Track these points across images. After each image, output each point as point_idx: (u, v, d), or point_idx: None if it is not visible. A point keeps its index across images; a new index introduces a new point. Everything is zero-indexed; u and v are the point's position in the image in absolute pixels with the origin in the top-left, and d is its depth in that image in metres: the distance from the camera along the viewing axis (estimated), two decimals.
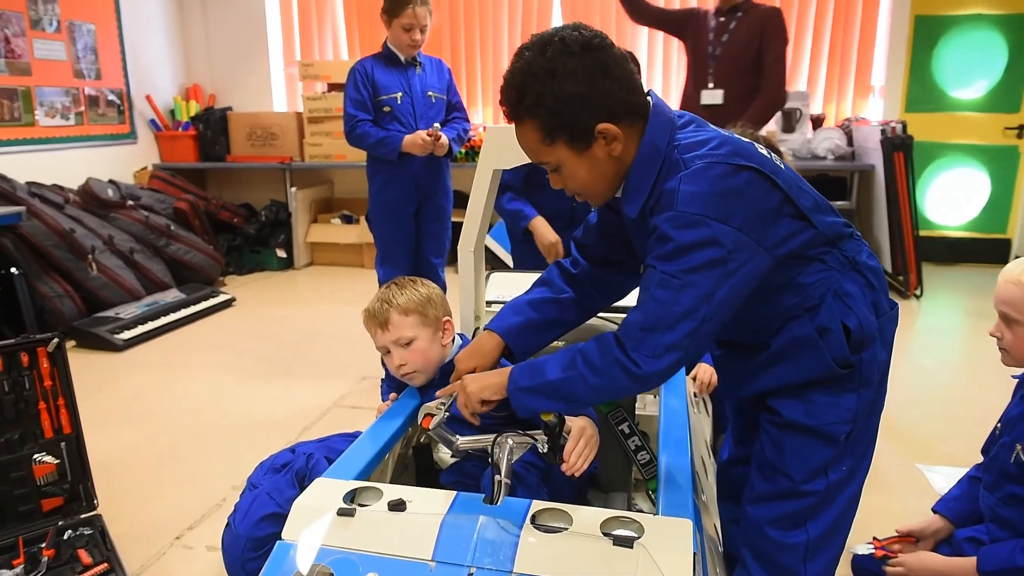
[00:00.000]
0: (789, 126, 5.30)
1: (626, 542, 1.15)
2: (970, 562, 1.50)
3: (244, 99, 6.05)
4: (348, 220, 5.84)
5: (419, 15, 2.83)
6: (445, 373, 1.69)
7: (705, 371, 2.10)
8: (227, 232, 5.63)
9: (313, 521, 1.23)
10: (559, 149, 1.21)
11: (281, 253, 5.71)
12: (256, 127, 5.71)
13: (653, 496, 1.55)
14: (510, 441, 1.33)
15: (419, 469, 1.75)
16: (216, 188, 6.13)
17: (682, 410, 1.71)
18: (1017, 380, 1.59)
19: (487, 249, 5.15)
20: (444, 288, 3.19)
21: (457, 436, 1.42)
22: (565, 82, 1.15)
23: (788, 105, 5.18)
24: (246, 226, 5.69)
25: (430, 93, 2.98)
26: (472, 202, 1.93)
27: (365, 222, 3.24)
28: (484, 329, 1.47)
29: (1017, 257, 1.80)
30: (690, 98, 3.36)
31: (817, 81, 5.40)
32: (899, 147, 4.61)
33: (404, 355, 1.67)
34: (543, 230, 2.61)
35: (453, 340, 1.75)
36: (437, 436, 1.42)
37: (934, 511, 1.72)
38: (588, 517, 1.23)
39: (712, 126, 1.28)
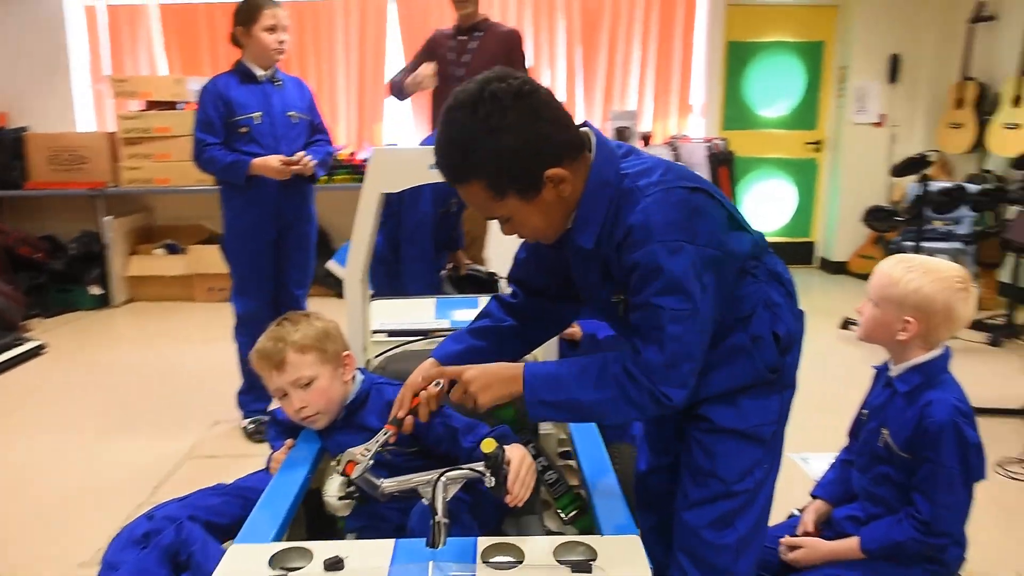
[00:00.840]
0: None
1: (583, 567, 1.14)
2: (852, 542, 1.61)
3: (43, 118, 5.36)
4: (173, 250, 5.35)
5: (279, 15, 2.66)
6: (350, 412, 1.57)
7: None
8: (28, 269, 4.95)
9: None
10: (510, 202, 1.20)
11: (95, 290, 5.11)
12: (60, 149, 5.08)
13: (563, 515, 1.53)
14: (443, 479, 1.24)
15: (309, 519, 1.60)
16: (13, 219, 5.37)
17: (592, 427, 1.71)
18: (877, 369, 1.73)
19: (330, 274, 4.97)
20: None
21: (382, 480, 1.30)
22: (505, 137, 1.13)
23: (619, 123, 5.48)
24: (51, 261, 5.04)
25: (291, 113, 2.78)
26: (357, 227, 1.82)
27: (219, 250, 2.96)
28: (429, 356, 1.40)
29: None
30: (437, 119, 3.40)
31: (645, 101, 5.74)
32: (723, 162, 5.00)
33: (304, 397, 1.53)
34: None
35: (354, 376, 1.62)
36: (362, 483, 1.29)
37: (813, 496, 1.83)
38: (538, 547, 1.20)
39: (645, 152, 1.31)
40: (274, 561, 1.13)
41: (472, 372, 1.26)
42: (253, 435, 2.91)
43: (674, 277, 1.14)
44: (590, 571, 1.13)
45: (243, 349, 2.92)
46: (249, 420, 2.96)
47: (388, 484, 1.29)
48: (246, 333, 2.88)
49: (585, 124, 1.26)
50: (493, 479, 1.21)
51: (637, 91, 5.71)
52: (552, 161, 1.17)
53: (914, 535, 1.48)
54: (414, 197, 2.62)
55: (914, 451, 1.50)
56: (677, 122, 5.81)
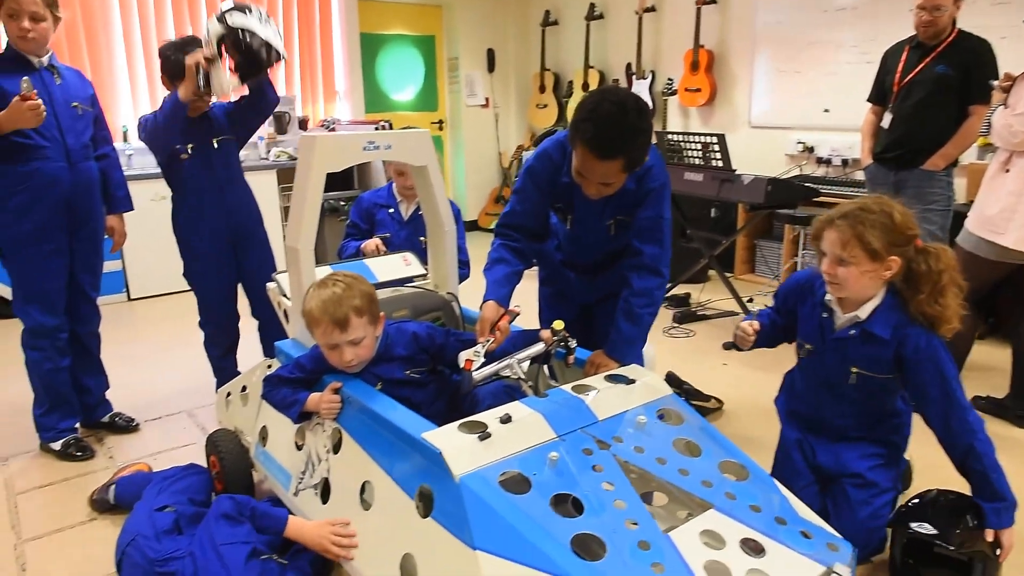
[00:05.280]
0: (281, 128, 5.82)
1: (626, 379, 1.81)
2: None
3: None
4: None
5: (23, 0, 2.38)
6: (382, 350, 1.91)
7: None
8: None
9: (468, 452, 1.48)
10: (624, 175, 1.85)
11: None
12: None
13: (566, 362, 1.95)
14: (515, 359, 1.78)
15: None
16: None
17: None
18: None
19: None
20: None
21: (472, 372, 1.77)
22: (648, 136, 1.78)
23: (279, 109, 5.70)
24: None
25: (75, 104, 2.57)
26: (309, 202, 2.06)
27: None
28: (486, 300, 1.92)
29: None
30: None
31: (293, 87, 6.04)
32: None
33: (356, 351, 1.83)
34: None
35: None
36: (464, 376, 1.74)
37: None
38: (597, 378, 1.83)
39: None
40: (462, 429, 1.55)
41: (600, 359, 1.95)
42: (73, 455, 2.69)
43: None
44: (632, 381, 1.81)
45: (39, 365, 2.66)
46: (60, 442, 2.71)
47: (476, 374, 1.75)
48: (41, 347, 2.64)
49: None
50: (563, 347, 1.81)
51: (284, 79, 5.97)
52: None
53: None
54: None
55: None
56: (324, 107, 6.26)
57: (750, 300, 4.42)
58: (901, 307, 1.86)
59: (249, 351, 3.19)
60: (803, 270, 2.17)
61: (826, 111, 5.10)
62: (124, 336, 4.16)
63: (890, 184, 3.48)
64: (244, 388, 2.41)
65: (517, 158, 7.04)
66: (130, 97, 5.23)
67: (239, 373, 2.98)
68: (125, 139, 5.11)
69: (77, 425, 2.83)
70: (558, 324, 1.82)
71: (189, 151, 2.77)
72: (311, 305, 1.79)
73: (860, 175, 4.88)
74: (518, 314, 1.87)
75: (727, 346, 3.85)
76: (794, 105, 5.25)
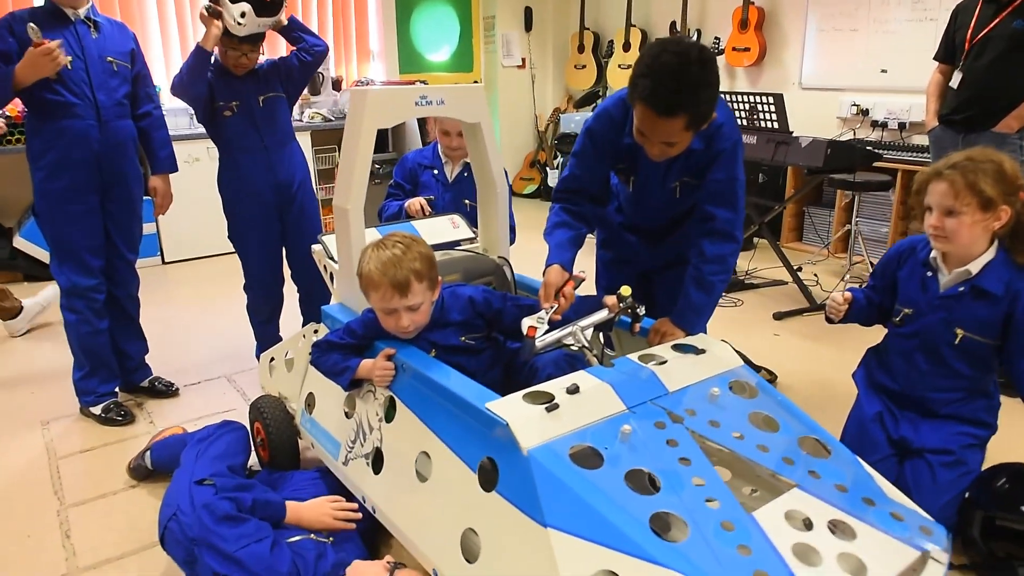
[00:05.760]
0: (315, 89, 5.71)
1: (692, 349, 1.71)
2: None
3: None
4: None
5: None
6: (431, 323, 1.82)
7: None
8: None
9: (536, 424, 1.39)
10: (689, 133, 1.68)
11: None
12: None
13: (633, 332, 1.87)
14: (578, 327, 1.68)
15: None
16: None
17: None
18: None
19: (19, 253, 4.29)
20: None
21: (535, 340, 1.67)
22: (715, 90, 1.63)
23: None
24: None
25: (110, 59, 2.49)
26: (359, 160, 1.96)
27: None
28: (550, 264, 1.82)
29: None
30: None
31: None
32: None
33: (413, 317, 1.74)
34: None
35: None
36: (527, 343, 1.64)
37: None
38: (664, 347, 1.72)
39: None
40: (527, 399, 1.46)
41: (665, 327, 1.83)
42: (113, 420, 2.66)
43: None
44: (701, 351, 1.71)
45: (76, 327, 2.62)
46: (101, 407, 2.68)
47: (539, 341, 1.66)
48: (77, 308, 2.59)
49: None
50: (631, 313, 1.70)
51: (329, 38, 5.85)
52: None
53: None
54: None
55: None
56: (358, 67, 6.13)
57: (799, 269, 4.26)
58: (1012, 263, 1.80)
59: (293, 318, 3.13)
60: (902, 240, 2.08)
61: (883, 72, 4.86)
62: (159, 299, 4.13)
63: (958, 148, 3.27)
64: (288, 354, 2.34)
65: (553, 121, 6.87)
66: (163, 58, 5.15)
67: (281, 339, 2.93)
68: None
69: (117, 389, 2.79)
70: (625, 290, 1.70)
71: (234, 108, 2.70)
72: (370, 267, 1.69)
73: (917, 139, 4.69)
74: (583, 280, 1.76)
75: (778, 316, 3.71)
76: (848, 65, 5.01)
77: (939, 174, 1.80)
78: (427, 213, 2.63)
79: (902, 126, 4.76)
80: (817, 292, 4.02)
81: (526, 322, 1.65)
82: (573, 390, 1.47)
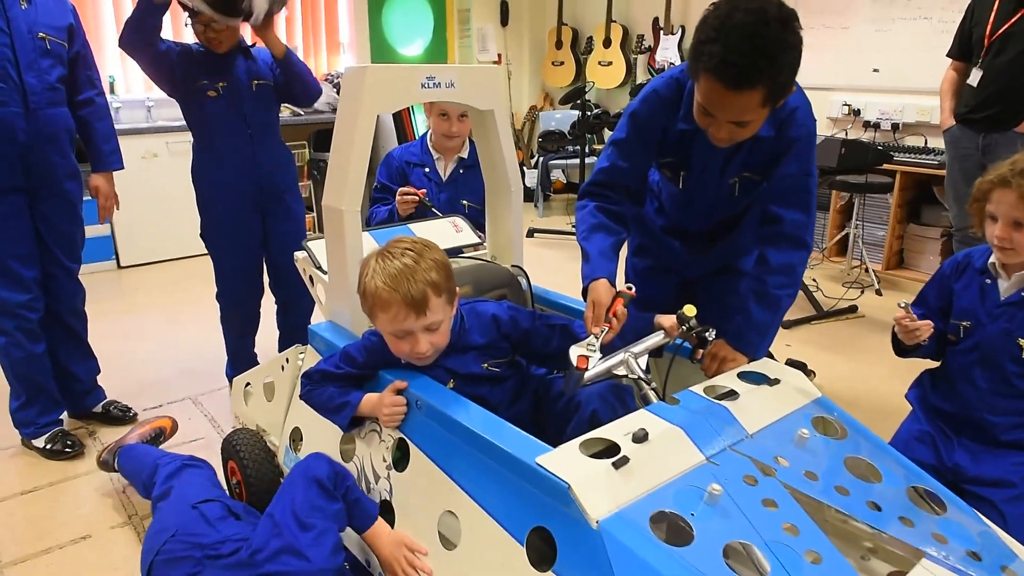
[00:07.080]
0: None
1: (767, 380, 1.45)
2: None
3: None
4: None
5: None
6: (456, 338, 1.52)
7: None
8: None
9: (604, 484, 1.10)
10: (766, 110, 1.36)
11: None
12: None
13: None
14: (631, 355, 1.40)
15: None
16: None
17: None
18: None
19: None
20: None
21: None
22: (798, 54, 1.30)
23: None
24: None
25: (43, 35, 2.12)
26: (356, 151, 1.65)
27: None
28: (595, 277, 1.53)
29: None
30: None
31: (295, 40, 5.54)
32: None
33: (432, 339, 1.44)
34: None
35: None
36: (573, 375, 1.35)
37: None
38: (729, 377, 1.45)
39: None
40: (584, 450, 1.17)
41: (724, 351, 1.54)
42: (59, 452, 2.29)
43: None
44: (776, 381, 1.45)
45: (6, 352, 2.24)
46: (44, 437, 2.31)
47: (589, 374, 1.37)
48: (6, 329, 2.21)
49: None
50: (694, 338, 1.43)
51: (285, 28, 5.48)
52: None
53: None
54: None
55: None
56: (328, 59, 5.77)
57: None
58: None
59: (268, 335, 2.79)
60: (956, 253, 1.87)
61: (875, 71, 4.71)
62: (114, 309, 3.72)
63: (977, 148, 3.12)
64: (267, 378, 2.01)
65: (530, 119, 6.59)
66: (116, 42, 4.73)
67: (256, 359, 2.59)
68: (112, 90, 4.61)
69: (63, 417, 2.42)
70: (689, 309, 1.42)
71: (219, 90, 2.36)
72: (376, 283, 1.38)
73: (911, 140, 4.54)
74: (633, 296, 1.47)
75: (786, 325, 3.50)
76: (839, 64, 4.84)
77: (1006, 182, 1.61)
78: (428, 203, 2.33)
79: (895, 127, 4.60)
80: (820, 298, 3.82)
81: (574, 351, 1.35)
82: (641, 437, 1.19)
